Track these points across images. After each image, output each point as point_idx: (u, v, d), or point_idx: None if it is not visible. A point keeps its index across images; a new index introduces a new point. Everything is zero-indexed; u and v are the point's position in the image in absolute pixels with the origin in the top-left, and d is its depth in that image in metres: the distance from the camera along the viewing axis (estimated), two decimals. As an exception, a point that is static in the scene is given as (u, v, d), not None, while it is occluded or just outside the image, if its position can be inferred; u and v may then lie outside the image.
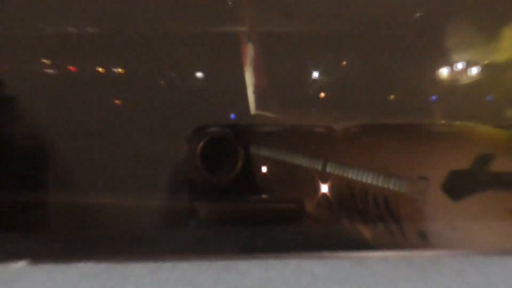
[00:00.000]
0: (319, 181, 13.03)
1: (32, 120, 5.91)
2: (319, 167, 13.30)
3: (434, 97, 18.08)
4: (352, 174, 11.91)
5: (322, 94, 22.09)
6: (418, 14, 18.82)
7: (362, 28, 18.80)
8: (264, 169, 15.89)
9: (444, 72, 18.87)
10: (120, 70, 22.48)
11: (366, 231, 11.12)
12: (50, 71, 21.66)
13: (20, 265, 1.89)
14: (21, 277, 1.79)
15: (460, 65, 18.83)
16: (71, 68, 21.68)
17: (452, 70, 18.72)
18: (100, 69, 22.47)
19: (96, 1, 17.89)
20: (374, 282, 1.70)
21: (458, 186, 9.29)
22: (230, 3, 19.46)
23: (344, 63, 22.44)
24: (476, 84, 17.92)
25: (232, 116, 19.18)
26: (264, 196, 15.24)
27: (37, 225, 5.90)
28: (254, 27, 19.67)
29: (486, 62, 18.05)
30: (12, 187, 5.66)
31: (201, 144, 15.10)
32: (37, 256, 1.95)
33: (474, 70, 18.62)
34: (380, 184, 10.81)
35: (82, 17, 19.24)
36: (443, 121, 14.68)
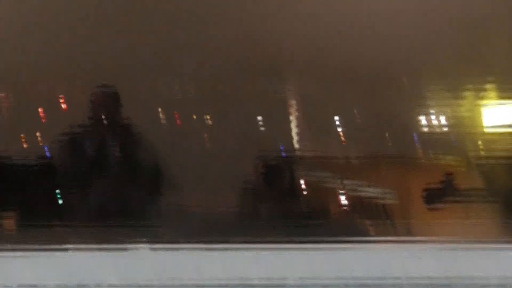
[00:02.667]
0: (339, 191, 13.06)
1: (150, 149, 5.96)
2: (339, 182, 13.33)
3: (415, 136, 17.97)
4: (360, 188, 11.91)
5: (342, 136, 22.10)
6: (405, 81, 18.77)
7: (370, 89, 18.70)
8: (302, 183, 15.91)
9: (422, 119, 18.74)
10: (208, 116, 22.55)
11: (370, 226, 11.09)
12: (162, 116, 21.77)
13: (142, 246, 1.88)
14: (143, 254, 1.78)
15: (433, 115, 18.70)
16: (176, 114, 21.80)
17: (428, 120, 18.61)
18: (194, 116, 22.49)
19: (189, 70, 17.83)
20: (379, 261, 1.67)
21: (432, 197, 9.29)
22: (282, 74, 19.45)
23: (356, 112, 22.40)
24: (444, 130, 17.83)
25: (282, 147, 19.23)
26: (302, 200, 15.25)
27: (151, 217, 5.91)
28: (297, 89, 19.84)
29: (451, 113, 17.97)
30: (138, 192, 5.71)
31: (261, 166, 15.13)
32: (153, 238, 1.94)
33: (443, 120, 18.50)
34: (379, 194, 10.80)
35: (183, 80, 19.27)
36: (421, 153, 14.62)
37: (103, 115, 5.57)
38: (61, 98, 18.39)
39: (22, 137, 17.22)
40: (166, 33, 15.89)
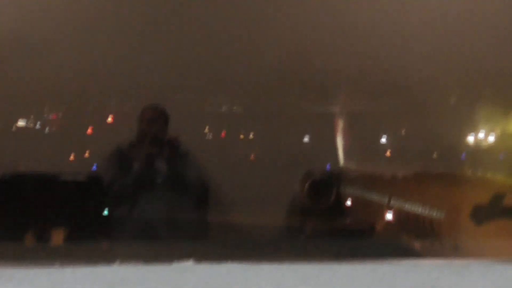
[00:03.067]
0: (386, 209, 12.99)
1: (198, 167, 5.96)
2: (386, 200, 13.26)
3: (463, 155, 17.78)
4: (408, 206, 11.83)
5: (388, 153, 22.01)
6: (453, 100, 18.64)
7: (417, 108, 18.61)
8: (349, 201, 15.88)
9: (470, 139, 18.60)
10: (252, 136, 22.71)
11: (417, 245, 10.97)
12: (209, 137, 21.93)
13: (188, 264, 1.87)
14: (189, 272, 1.77)
15: (481, 135, 18.57)
16: (223, 134, 21.97)
17: (476, 137, 18.47)
18: (241, 136, 22.68)
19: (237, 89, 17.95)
20: (427, 280, 1.65)
21: (481, 215, 9.16)
22: (328, 92, 19.49)
23: (403, 132, 22.32)
24: (492, 147, 17.67)
25: (328, 166, 19.24)
26: (348, 218, 15.22)
27: (198, 235, 5.88)
28: (343, 107, 19.85)
29: (499, 132, 17.83)
30: (185, 210, 5.69)
31: (307, 184, 15.15)
32: (199, 257, 1.93)
33: (491, 138, 18.38)
34: (427, 212, 10.70)
35: (230, 99, 19.38)
36: (470, 171, 14.43)
37: (151, 132, 5.59)
38: (109, 118, 18.57)
39: (72, 155, 17.40)
40: (214, 53, 15.98)
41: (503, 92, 14.33)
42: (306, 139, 24.04)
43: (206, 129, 22.32)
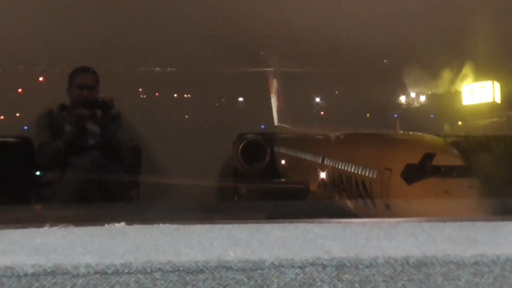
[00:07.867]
0: (319, 170, 13.09)
1: (131, 129, 5.90)
2: (319, 161, 13.36)
3: (396, 115, 18.03)
4: (341, 166, 11.95)
5: (322, 113, 22.17)
6: (385, 61, 18.83)
7: (350, 70, 18.74)
8: (283, 162, 15.97)
9: (402, 99, 18.85)
10: (189, 95, 22.57)
11: (350, 204, 11.12)
12: (144, 96, 21.74)
13: (120, 226, 1.85)
14: (121, 234, 1.76)
15: (413, 95, 18.83)
16: (157, 94, 21.80)
17: (408, 97, 18.75)
18: (175, 95, 22.51)
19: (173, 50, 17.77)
20: (356, 240, 1.67)
21: (411, 174, 9.32)
22: (262, 53, 19.51)
23: (337, 92, 22.47)
24: (423, 107, 17.96)
25: (262, 126, 19.31)
26: (282, 179, 15.31)
27: (130, 197, 5.83)
28: (277, 68, 19.86)
29: (429, 93, 18.11)
30: (117, 172, 5.63)
31: (241, 145, 15.17)
32: (130, 219, 1.92)
33: (422, 98, 18.65)
34: (359, 172, 10.83)
35: (164, 60, 19.20)
36: (401, 131, 14.65)
37: (82, 94, 5.49)
38: (40, 79, 18.23)
39: (1, 117, 17.06)
40: (148, 13, 15.76)
41: (434, 55, 14.53)
42: (241, 99, 24.13)
43: (140, 91, 22.17)
